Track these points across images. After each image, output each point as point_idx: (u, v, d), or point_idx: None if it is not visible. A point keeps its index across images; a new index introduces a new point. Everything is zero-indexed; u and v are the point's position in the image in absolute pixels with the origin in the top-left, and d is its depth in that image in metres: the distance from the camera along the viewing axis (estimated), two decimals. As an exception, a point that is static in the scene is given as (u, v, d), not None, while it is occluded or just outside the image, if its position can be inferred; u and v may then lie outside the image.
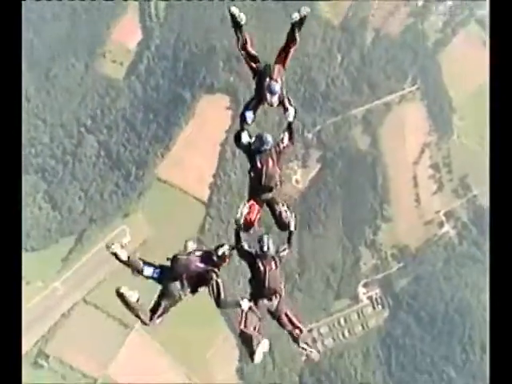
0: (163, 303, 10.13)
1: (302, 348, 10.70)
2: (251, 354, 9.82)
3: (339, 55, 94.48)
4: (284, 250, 10.78)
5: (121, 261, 10.62)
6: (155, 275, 10.55)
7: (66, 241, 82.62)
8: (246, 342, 9.79)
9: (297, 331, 10.79)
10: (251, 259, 10.66)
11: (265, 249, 10.37)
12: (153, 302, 10.36)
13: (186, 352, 78.47)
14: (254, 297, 10.53)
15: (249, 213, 10.37)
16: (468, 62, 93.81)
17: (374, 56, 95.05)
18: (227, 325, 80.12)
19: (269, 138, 11.02)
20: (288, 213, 10.64)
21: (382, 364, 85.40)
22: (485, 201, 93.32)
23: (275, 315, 10.69)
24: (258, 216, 10.66)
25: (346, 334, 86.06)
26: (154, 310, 10.19)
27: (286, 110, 11.11)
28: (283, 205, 10.69)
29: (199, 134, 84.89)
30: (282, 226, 10.74)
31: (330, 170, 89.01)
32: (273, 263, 10.46)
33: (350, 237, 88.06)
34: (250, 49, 11.53)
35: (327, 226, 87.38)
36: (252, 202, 10.58)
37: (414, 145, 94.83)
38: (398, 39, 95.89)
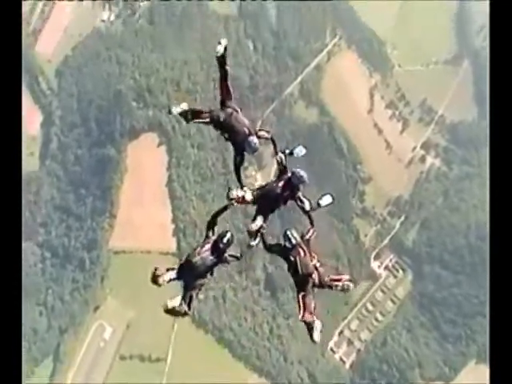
0: (192, 293, 10.67)
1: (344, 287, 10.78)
2: (311, 335, 10.34)
3: (250, 42, 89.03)
4: (308, 231, 10.96)
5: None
6: (174, 276, 10.70)
7: (43, 366, 74.86)
8: (308, 327, 10.44)
9: (344, 283, 10.75)
10: (283, 253, 10.97)
11: (293, 242, 10.68)
12: (181, 295, 10.70)
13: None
14: (298, 285, 10.75)
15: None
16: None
17: (285, 27, 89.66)
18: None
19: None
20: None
21: (430, 331, 79.55)
22: (454, 115, 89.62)
23: (323, 286, 10.74)
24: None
25: (379, 317, 80.00)
26: (187, 301, 10.69)
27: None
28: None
29: (140, 184, 78.02)
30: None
31: (289, 158, 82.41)
32: (301, 251, 10.66)
33: (338, 216, 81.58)
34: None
35: (312, 216, 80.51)
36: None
37: (360, 94, 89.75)
38: (301, 1, 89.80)
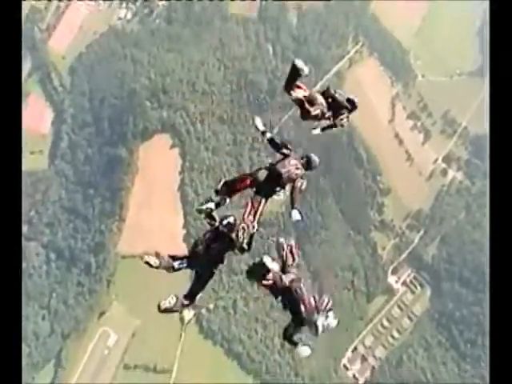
0: (200, 283, 10.78)
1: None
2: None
3: (269, 46, 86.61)
4: (327, 303, 10.01)
5: (154, 267, 10.74)
6: (184, 265, 10.80)
7: (43, 372, 72.36)
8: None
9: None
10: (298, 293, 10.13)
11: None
12: (190, 286, 10.74)
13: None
14: (274, 292, 10.21)
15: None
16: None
17: (306, 32, 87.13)
18: None
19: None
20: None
21: (448, 350, 76.26)
22: (478, 127, 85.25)
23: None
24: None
25: (395, 334, 76.87)
26: (194, 292, 10.77)
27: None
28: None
29: (150, 187, 75.39)
30: None
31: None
32: (312, 301, 10.04)
33: (356, 228, 79.04)
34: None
35: (328, 227, 77.89)
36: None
37: (382, 103, 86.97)
38: (323, 7, 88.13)
